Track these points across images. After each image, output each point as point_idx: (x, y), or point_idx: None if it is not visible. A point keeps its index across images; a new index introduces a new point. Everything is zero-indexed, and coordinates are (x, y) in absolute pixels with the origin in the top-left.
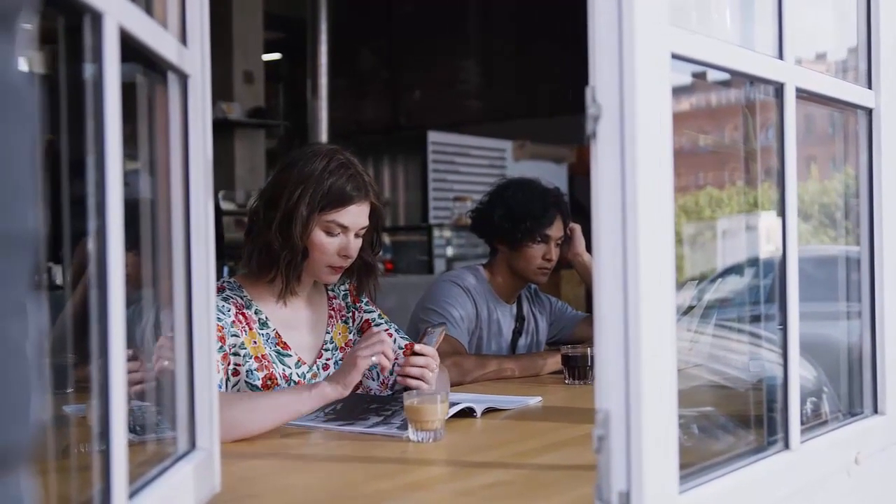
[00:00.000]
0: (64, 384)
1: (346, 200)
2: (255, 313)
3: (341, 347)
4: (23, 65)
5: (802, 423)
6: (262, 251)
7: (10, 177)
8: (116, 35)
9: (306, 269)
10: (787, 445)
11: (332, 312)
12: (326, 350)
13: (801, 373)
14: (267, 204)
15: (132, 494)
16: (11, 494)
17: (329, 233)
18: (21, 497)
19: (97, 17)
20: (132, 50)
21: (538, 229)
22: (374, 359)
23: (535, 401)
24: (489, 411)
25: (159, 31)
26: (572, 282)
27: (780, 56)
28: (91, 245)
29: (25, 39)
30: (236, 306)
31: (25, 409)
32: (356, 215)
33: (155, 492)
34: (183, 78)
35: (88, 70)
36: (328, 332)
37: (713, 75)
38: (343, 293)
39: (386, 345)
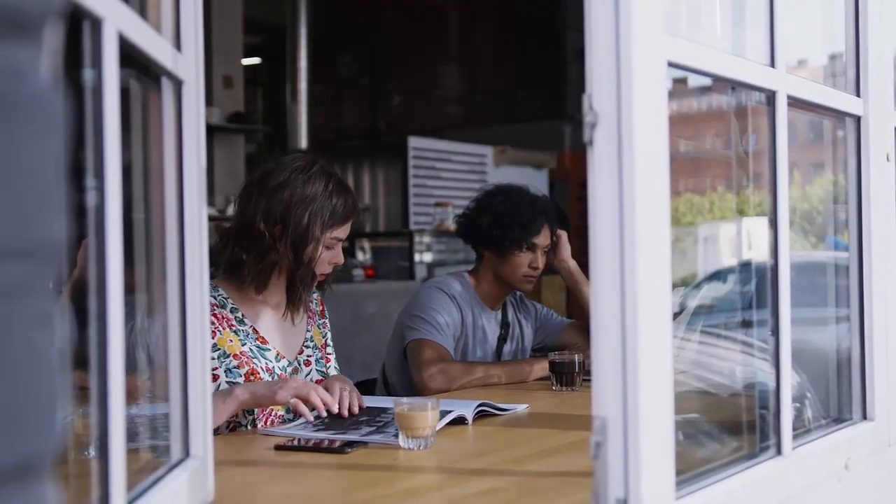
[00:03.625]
0: None
1: (348, 218)
2: (231, 311)
3: (320, 347)
4: (48, 72)
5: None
6: (269, 269)
7: (38, 185)
8: (116, 41)
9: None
10: (779, 451)
11: (311, 313)
12: (307, 346)
13: None
14: (268, 222)
15: (129, 503)
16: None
17: (329, 248)
18: None
19: (97, 23)
20: (127, 55)
21: (526, 237)
22: (292, 401)
23: (522, 408)
24: (482, 414)
25: (155, 36)
26: (553, 287)
27: (772, 64)
28: (88, 250)
29: (51, 47)
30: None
31: (52, 419)
32: (349, 228)
33: (151, 500)
34: (177, 84)
35: (87, 75)
36: (308, 331)
37: (694, 81)
38: (315, 301)
39: (312, 394)
